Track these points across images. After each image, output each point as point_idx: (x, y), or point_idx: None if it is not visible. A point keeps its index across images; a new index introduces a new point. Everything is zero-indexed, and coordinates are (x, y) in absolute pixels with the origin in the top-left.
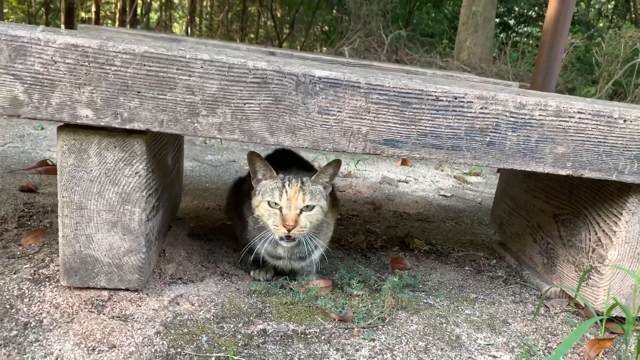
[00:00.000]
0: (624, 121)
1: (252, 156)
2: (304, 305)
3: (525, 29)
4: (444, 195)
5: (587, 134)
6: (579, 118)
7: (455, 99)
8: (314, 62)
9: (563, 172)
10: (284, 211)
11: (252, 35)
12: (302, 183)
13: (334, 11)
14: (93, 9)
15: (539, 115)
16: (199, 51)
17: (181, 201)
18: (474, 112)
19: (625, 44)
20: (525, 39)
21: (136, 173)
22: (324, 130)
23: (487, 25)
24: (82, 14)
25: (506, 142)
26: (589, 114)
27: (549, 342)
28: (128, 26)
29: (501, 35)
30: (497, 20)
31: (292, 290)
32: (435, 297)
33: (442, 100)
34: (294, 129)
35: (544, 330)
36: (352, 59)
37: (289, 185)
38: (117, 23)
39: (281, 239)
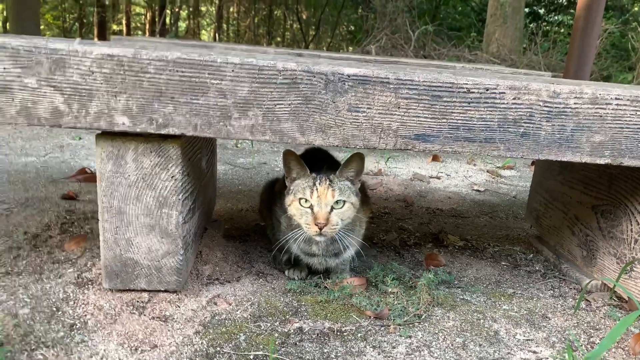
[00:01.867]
0: None
1: (287, 155)
2: (339, 303)
3: (556, 17)
4: (478, 190)
5: (625, 120)
6: (617, 105)
7: (487, 90)
8: (341, 61)
9: (601, 161)
10: (315, 209)
11: (278, 39)
12: (331, 180)
13: (360, 10)
14: (124, 21)
15: (574, 103)
16: (229, 55)
17: (215, 204)
18: (507, 103)
19: None
20: (557, 27)
21: (172, 177)
22: (354, 127)
23: (516, 16)
24: (114, 27)
25: (541, 132)
26: (627, 100)
27: (592, 336)
28: (158, 36)
29: (531, 25)
30: (527, 10)
31: (326, 289)
32: (472, 293)
33: (473, 92)
34: (324, 127)
35: (585, 324)
36: (379, 56)
37: (319, 183)
38: (147, 33)
39: (315, 234)
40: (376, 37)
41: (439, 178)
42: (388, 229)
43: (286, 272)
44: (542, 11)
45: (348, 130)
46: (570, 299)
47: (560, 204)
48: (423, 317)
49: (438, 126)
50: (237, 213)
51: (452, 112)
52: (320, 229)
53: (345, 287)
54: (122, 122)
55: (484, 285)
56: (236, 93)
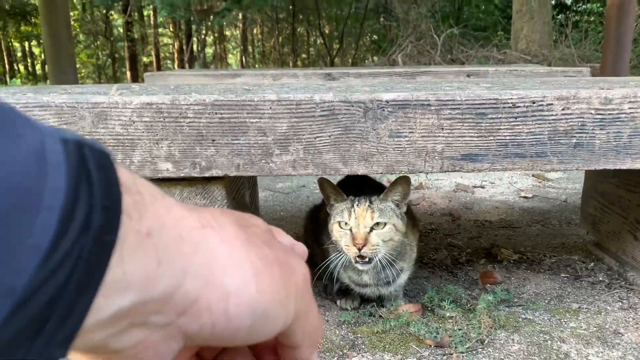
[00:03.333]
0: None
1: (323, 182)
2: (396, 333)
3: (585, 6)
4: (525, 197)
5: None
6: None
7: (534, 103)
8: (374, 82)
9: None
10: (354, 230)
11: (303, 55)
12: (371, 202)
13: (382, 19)
14: (153, 52)
15: (629, 108)
16: (266, 92)
17: None
18: (556, 114)
19: None
20: (586, 17)
21: None
22: (397, 153)
23: (543, 9)
24: (144, 59)
25: (595, 141)
26: None
27: None
28: (187, 65)
29: (559, 17)
30: (553, 1)
31: (381, 318)
32: (534, 310)
33: (519, 107)
34: (366, 156)
35: None
36: (407, 66)
37: (357, 205)
38: (176, 62)
39: (356, 261)
40: (401, 46)
41: (483, 187)
42: (437, 246)
43: (338, 302)
44: (569, 1)
45: (391, 157)
46: None
47: (618, 208)
48: (486, 342)
49: (485, 144)
50: None
51: (499, 129)
52: (359, 249)
53: (401, 315)
54: (166, 169)
55: (546, 301)
56: (275, 130)
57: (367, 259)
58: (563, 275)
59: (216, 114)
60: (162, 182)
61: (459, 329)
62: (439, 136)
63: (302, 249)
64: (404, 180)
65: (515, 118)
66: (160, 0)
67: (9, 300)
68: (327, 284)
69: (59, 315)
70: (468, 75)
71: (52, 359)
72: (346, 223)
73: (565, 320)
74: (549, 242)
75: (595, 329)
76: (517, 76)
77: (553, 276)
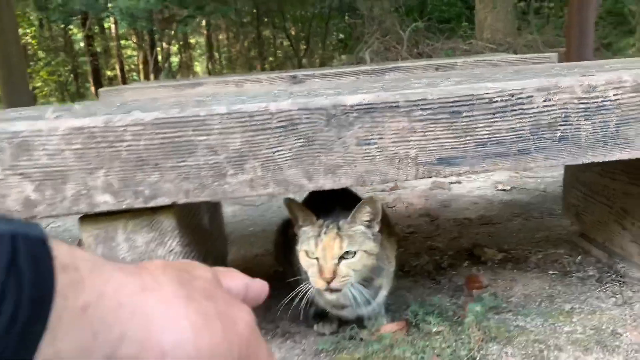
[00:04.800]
0: None
1: (289, 204)
2: (380, 358)
3: None
4: (503, 190)
5: None
6: None
7: (512, 96)
8: (340, 82)
9: None
10: (321, 262)
11: (271, 58)
12: (339, 228)
13: (346, 17)
14: (117, 65)
15: (614, 95)
16: (214, 104)
17: (228, 253)
18: (537, 107)
19: None
20: (547, 3)
21: (171, 251)
22: (367, 162)
23: None
24: (108, 72)
25: (580, 133)
26: None
27: None
28: (152, 75)
29: (520, 4)
30: None
31: (362, 341)
32: (525, 316)
33: (497, 102)
34: (333, 168)
35: None
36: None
37: (324, 233)
38: (142, 74)
39: (325, 289)
40: (367, 43)
41: (459, 182)
42: (417, 251)
43: (315, 327)
44: None
45: (361, 167)
46: (638, 305)
47: (602, 197)
48: (478, 358)
49: (463, 145)
50: (252, 259)
51: (476, 127)
52: (328, 282)
53: (384, 337)
54: (104, 201)
55: (537, 304)
56: (228, 146)
57: (337, 289)
58: (551, 273)
59: (157, 134)
60: (103, 216)
61: (448, 346)
62: (411, 140)
63: (258, 287)
64: (369, 202)
65: (494, 114)
66: (120, 12)
67: None
68: (301, 307)
69: None
70: (437, 69)
71: None
72: (313, 252)
73: (560, 324)
74: (532, 236)
75: (592, 331)
76: (486, 66)
77: (541, 274)
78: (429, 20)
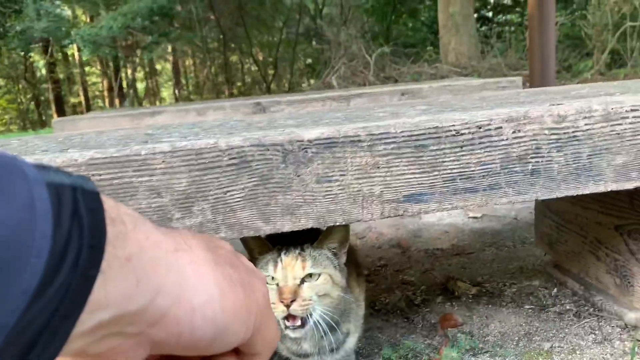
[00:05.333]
0: None
1: (245, 239)
2: None
3: (505, 17)
4: (474, 217)
5: None
6: (634, 117)
7: (480, 128)
8: (303, 112)
9: (630, 186)
10: (281, 284)
11: (239, 84)
12: (302, 249)
13: (314, 43)
14: (81, 93)
15: (585, 125)
16: (157, 142)
17: None
18: (506, 139)
19: (612, 10)
20: (508, 27)
21: None
22: (329, 201)
23: (468, 23)
24: (72, 99)
25: (553, 165)
26: None
27: None
28: (117, 102)
29: (482, 28)
30: (475, 15)
31: None
32: (503, 357)
33: (464, 134)
34: (291, 208)
35: None
36: (342, 89)
37: (285, 254)
38: (106, 100)
39: (286, 326)
40: (334, 68)
41: (435, 212)
42: (389, 286)
43: None
44: (490, 14)
45: (322, 206)
46: (618, 342)
47: (575, 226)
48: None
49: (430, 181)
50: None
51: (444, 162)
52: (288, 306)
53: None
54: None
55: (514, 343)
56: (173, 187)
57: (299, 323)
58: (527, 307)
59: (93, 175)
60: None
61: None
62: (375, 177)
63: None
64: (339, 228)
65: (461, 147)
66: (81, 38)
67: (2, 335)
68: None
69: (45, 340)
70: (403, 94)
71: (51, 356)
72: (272, 277)
73: None
74: (506, 267)
75: None
76: (451, 91)
77: (517, 309)
78: (394, 45)
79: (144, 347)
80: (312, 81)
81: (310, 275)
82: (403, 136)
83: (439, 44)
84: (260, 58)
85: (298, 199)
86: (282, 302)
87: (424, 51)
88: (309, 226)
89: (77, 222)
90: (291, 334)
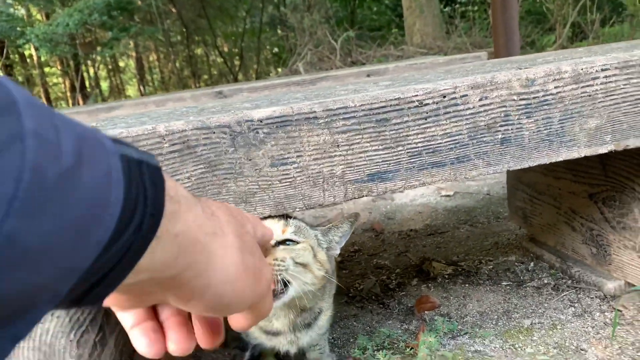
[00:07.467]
0: None
1: None
2: None
3: None
4: (447, 195)
5: (620, 93)
6: (605, 77)
7: (445, 97)
8: (261, 95)
9: (604, 150)
10: None
11: (205, 76)
12: (287, 217)
13: (279, 31)
14: (42, 94)
15: (555, 87)
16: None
17: None
18: (473, 107)
19: None
20: (470, 6)
21: (52, 314)
22: (286, 185)
23: (431, 3)
24: None
25: (523, 133)
26: (616, 68)
27: None
28: (81, 101)
29: (446, 9)
30: None
31: None
32: (483, 338)
33: (428, 104)
34: (245, 196)
35: (630, 347)
36: (308, 74)
37: (268, 217)
38: (70, 102)
39: None
40: (301, 55)
41: (402, 191)
42: (363, 271)
43: None
44: None
45: (279, 192)
46: (598, 313)
47: (548, 197)
48: None
49: (394, 157)
50: None
51: (408, 136)
52: None
53: None
54: None
55: (493, 322)
56: None
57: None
58: (505, 284)
59: None
60: None
61: None
62: (335, 156)
63: (270, 233)
64: (347, 224)
65: (425, 119)
66: (37, 37)
67: (75, 275)
68: (235, 354)
69: (105, 284)
70: (368, 75)
71: (103, 295)
72: None
73: (521, 345)
74: (480, 244)
75: (555, 350)
76: (418, 69)
77: (494, 286)
78: (360, 29)
79: (159, 298)
80: (279, 70)
81: (289, 241)
82: (363, 110)
83: (404, 26)
84: (226, 49)
85: (252, 186)
86: None
87: (390, 34)
88: (267, 214)
89: (143, 192)
90: None
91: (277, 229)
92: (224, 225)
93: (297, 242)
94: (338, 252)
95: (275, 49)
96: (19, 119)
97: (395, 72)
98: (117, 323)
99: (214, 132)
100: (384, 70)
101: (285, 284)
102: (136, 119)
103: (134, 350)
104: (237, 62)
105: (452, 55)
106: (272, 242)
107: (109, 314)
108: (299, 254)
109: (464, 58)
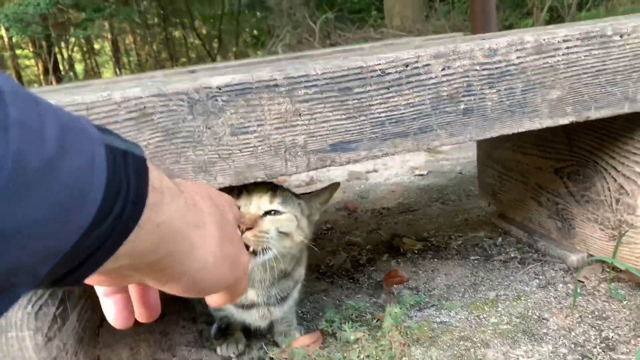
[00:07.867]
0: (621, 36)
1: None
2: None
3: None
4: (420, 175)
5: (581, 65)
6: (567, 48)
7: (407, 66)
8: (229, 70)
9: (565, 121)
10: (242, 209)
11: (183, 59)
12: (275, 186)
13: (258, 13)
14: (14, 77)
15: (517, 57)
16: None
17: None
18: (436, 77)
19: None
20: None
21: None
22: (247, 155)
23: None
24: None
25: (486, 103)
26: (577, 39)
27: (602, 330)
28: (55, 84)
29: None
30: None
31: None
32: (449, 310)
33: (390, 73)
34: (204, 165)
35: (590, 316)
36: (285, 54)
37: (255, 185)
38: (43, 84)
39: None
40: (279, 37)
41: (376, 171)
42: (334, 248)
43: (218, 350)
44: None
45: (240, 161)
46: (561, 285)
47: (516, 173)
48: None
49: (357, 127)
50: None
51: (371, 105)
52: (242, 232)
53: (296, 353)
54: None
55: (460, 295)
56: None
57: (254, 252)
58: (473, 258)
59: None
60: None
61: (367, 356)
62: (297, 125)
63: (237, 214)
64: (327, 190)
65: (388, 88)
66: (6, 18)
67: (54, 257)
68: (202, 329)
69: (85, 266)
70: (343, 53)
71: (82, 278)
72: (238, 207)
73: (485, 315)
74: (451, 221)
75: (518, 319)
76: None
77: (462, 261)
78: (339, 11)
79: (138, 279)
80: (259, 53)
81: (276, 211)
82: (325, 79)
83: (383, 8)
84: (204, 32)
85: (212, 155)
86: (238, 226)
87: (369, 16)
88: (227, 184)
89: (126, 181)
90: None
91: (264, 199)
92: (205, 216)
93: (283, 213)
94: (318, 217)
95: (255, 32)
96: (5, 108)
97: (370, 51)
98: (81, 297)
99: (171, 100)
100: (359, 50)
101: (265, 251)
102: (100, 92)
103: (99, 325)
104: (215, 45)
105: (428, 36)
106: (260, 212)
107: None
108: (284, 224)
109: (439, 37)
